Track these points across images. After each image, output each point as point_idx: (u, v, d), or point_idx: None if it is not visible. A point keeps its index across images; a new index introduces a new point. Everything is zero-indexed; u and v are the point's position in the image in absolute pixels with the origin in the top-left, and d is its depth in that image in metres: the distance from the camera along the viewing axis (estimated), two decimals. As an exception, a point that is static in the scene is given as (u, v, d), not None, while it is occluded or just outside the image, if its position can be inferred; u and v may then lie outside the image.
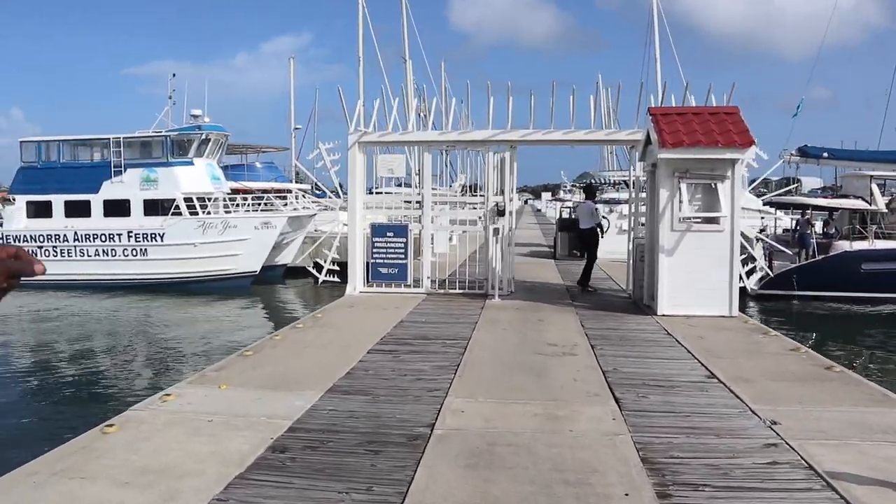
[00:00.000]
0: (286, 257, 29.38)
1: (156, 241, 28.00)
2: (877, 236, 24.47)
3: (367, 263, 13.04)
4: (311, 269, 13.34)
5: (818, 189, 38.89)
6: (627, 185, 56.00)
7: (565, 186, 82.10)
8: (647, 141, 11.68)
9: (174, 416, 5.56)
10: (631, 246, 12.83)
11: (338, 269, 13.06)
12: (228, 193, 30.76)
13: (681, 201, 10.60)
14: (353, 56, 37.21)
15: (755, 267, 18.13)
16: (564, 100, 12.57)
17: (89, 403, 12.17)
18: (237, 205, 29.51)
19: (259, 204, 30.46)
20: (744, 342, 8.88)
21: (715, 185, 10.66)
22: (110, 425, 5.26)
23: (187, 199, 27.95)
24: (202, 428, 5.29)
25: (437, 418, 5.58)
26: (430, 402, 6.06)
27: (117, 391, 13.04)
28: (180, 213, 27.86)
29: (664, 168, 10.66)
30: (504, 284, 12.79)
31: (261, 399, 6.11)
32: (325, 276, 13.16)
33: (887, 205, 25.99)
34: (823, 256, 23.94)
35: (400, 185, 28.25)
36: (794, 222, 28.13)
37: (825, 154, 27.19)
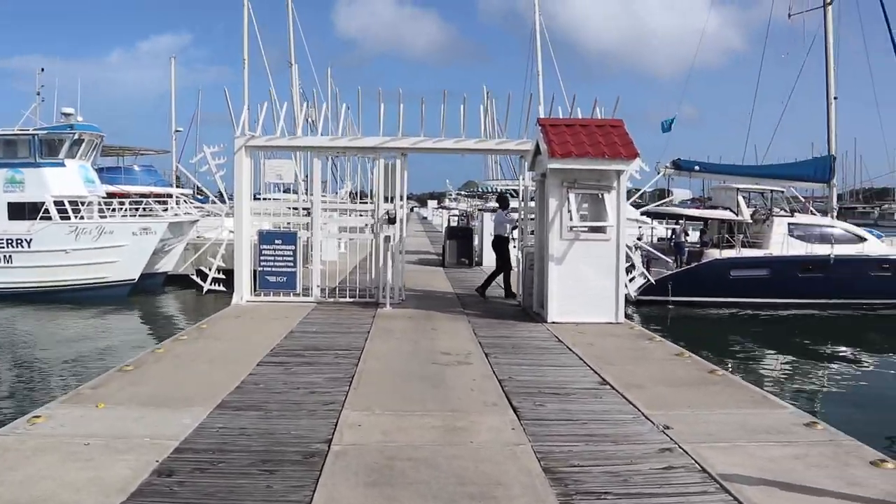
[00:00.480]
0: (167, 265, 28.12)
1: (22, 247, 26.15)
2: (743, 245, 26.02)
3: (254, 271, 12.63)
4: (194, 277, 12.77)
5: (687, 200, 41.02)
6: (513, 195, 57.10)
7: (450, 195, 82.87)
8: (537, 151, 11.88)
9: (45, 441, 5.10)
10: (520, 254, 13.00)
11: (223, 277, 12.56)
12: (104, 197, 29.15)
13: (569, 211, 10.84)
14: (235, 58, 36.40)
15: (635, 274, 18.86)
16: (454, 109, 12.66)
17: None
18: (113, 209, 27.98)
19: (137, 209, 29.00)
20: (631, 348, 9.14)
21: (602, 195, 10.96)
22: (-30, 453, 4.78)
23: (58, 203, 26.28)
24: (78, 452, 4.87)
25: (333, 433, 5.39)
26: (326, 416, 5.86)
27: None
28: (50, 218, 26.15)
29: (553, 178, 10.86)
30: (395, 293, 12.68)
31: (143, 418, 5.72)
32: (210, 284, 12.62)
33: (752, 215, 27.60)
34: (696, 264, 25.27)
35: (287, 192, 27.64)
36: (669, 231, 29.47)
37: (696, 167, 28.74)
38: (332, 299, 12.87)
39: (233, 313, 11.49)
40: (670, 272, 23.89)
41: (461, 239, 21.70)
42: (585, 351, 8.76)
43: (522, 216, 13.32)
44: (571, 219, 10.68)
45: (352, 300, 12.83)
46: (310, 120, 25.98)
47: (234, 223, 12.53)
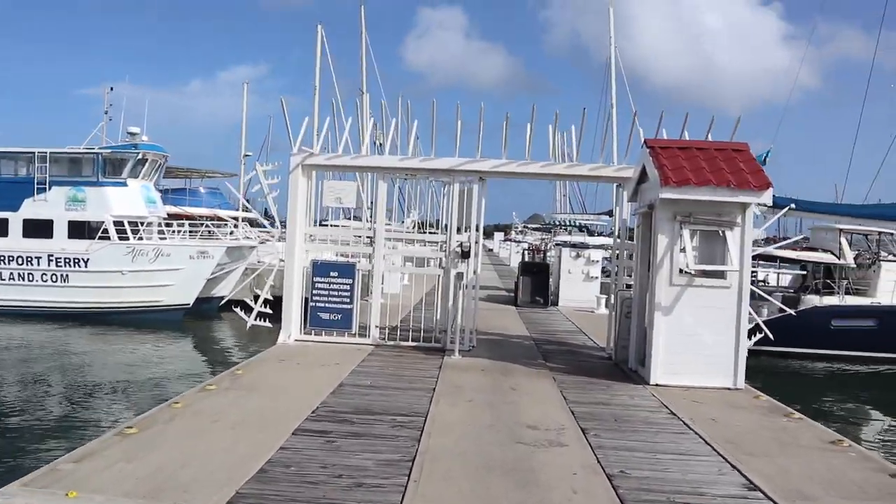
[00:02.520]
0: (224, 289, 27.03)
1: (79, 266, 25.45)
2: (846, 292, 23.57)
3: (306, 305, 11.06)
4: (238, 310, 11.29)
5: (760, 239, 38.53)
6: (580, 229, 54.56)
7: (517, 227, 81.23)
8: (641, 178, 10.03)
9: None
10: (614, 299, 11.08)
11: (269, 311, 11.03)
12: (165, 218, 28.38)
13: (682, 250, 8.94)
14: (309, 87, 35.52)
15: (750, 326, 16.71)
16: (518, 134, 10.95)
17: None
18: (173, 231, 27.13)
19: (197, 232, 28.09)
20: (768, 428, 7.12)
21: (723, 232, 9.02)
22: None
23: (117, 223, 25.54)
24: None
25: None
26: (374, 531, 4.11)
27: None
28: (108, 238, 25.41)
29: (664, 211, 8.98)
30: (465, 338, 10.92)
31: (119, 523, 4.08)
32: (255, 319, 11.10)
33: (855, 259, 25.10)
34: (793, 311, 22.80)
35: (350, 218, 26.29)
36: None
37: (793, 206, 26.36)
38: (391, 342, 11.17)
39: (276, 355, 9.89)
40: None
41: (536, 275, 19.81)
42: (710, 430, 6.81)
43: (617, 255, 11.41)
44: (686, 260, 8.76)
45: (415, 344, 11.11)
46: (377, 143, 24.79)
47: (286, 250, 11.01)
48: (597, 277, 19.99)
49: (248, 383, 7.98)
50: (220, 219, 33.14)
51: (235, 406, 6.92)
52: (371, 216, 17.05)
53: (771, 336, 11.06)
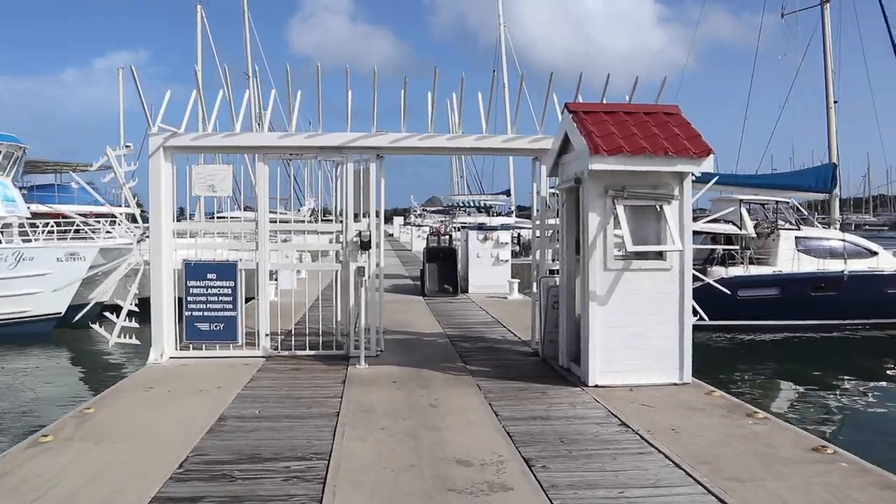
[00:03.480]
0: (103, 294, 24.32)
1: (-81, 279, 22.26)
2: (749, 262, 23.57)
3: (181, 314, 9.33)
4: (97, 327, 9.44)
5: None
6: (479, 210, 53.84)
7: (415, 210, 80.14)
8: (563, 149, 8.80)
9: None
10: (537, 287, 9.85)
11: (135, 325, 9.23)
12: (28, 218, 25.33)
13: (617, 230, 7.77)
14: (192, 73, 32.92)
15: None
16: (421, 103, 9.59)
17: None
18: (41, 233, 24.18)
19: (68, 232, 25.17)
20: (738, 436, 6.01)
21: (660, 207, 7.90)
22: None
23: (-35, 225, 22.55)
24: None
25: None
26: None
27: None
28: (-46, 243, 22.38)
29: (594, 184, 7.77)
30: (372, 342, 9.46)
31: None
32: (119, 336, 9.28)
33: (755, 228, 25.20)
34: (700, 283, 22.52)
35: (249, 209, 24.10)
36: None
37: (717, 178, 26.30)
38: (286, 352, 9.58)
39: (143, 381, 8.11)
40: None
41: (443, 261, 18.43)
42: (675, 446, 5.66)
43: (538, 237, 10.17)
44: (624, 240, 7.57)
45: (313, 353, 9.55)
46: (258, 124, 22.64)
47: (150, 250, 9.21)
48: (507, 261, 18.82)
49: (99, 427, 6.24)
50: (97, 215, 30.14)
51: (73, 469, 5.20)
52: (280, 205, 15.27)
53: (706, 318, 10.15)
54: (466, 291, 18.11)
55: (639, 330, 7.84)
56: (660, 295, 7.90)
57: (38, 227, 24.44)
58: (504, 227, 21.46)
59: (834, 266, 22.73)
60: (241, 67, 38.63)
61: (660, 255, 7.98)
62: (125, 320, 9.25)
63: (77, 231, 25.61)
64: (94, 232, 25.98)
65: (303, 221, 18.87)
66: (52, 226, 24.74)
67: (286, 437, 5.96)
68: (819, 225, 26.75)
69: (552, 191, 10.16)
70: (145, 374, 8.52)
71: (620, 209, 7.71)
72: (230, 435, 6.01)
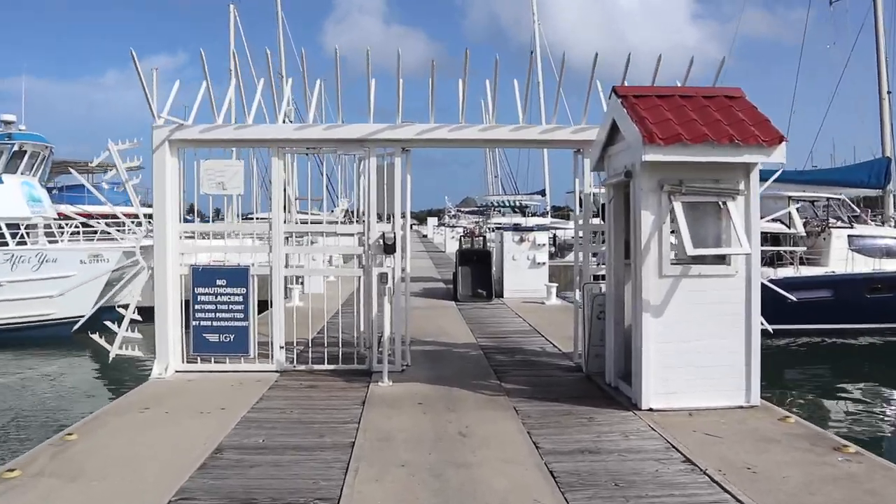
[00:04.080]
0: (130, 296, 23.75)
1: (-56, 279, 21.90)
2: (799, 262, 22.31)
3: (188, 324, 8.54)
4: (99, 339, 8.70)
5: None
6: (514, 210, 52.81)
7: (450, 211, 79.39)
8: (609, 140, 7.81)
9: None
10: (580, 294, 8.85)
11: (138, 338, 8.47)
12: (55, 219, 24.94)
13: (674, 230, 6.77)
14: (226, 73, 32.48)
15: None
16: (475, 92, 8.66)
17: None
18: (66, 233, 23.75)
19: (96, 233, 24.69)
20: (830, 479, 4.96)
21: (724, 203, 6.88)
22: None
23: (-7, 225, 22.11)
24: None
25: None
26: None
27: None
28: (-20, 243, 21.97)
29: (647, 178, 6.78)
30: (396, 356, 8.56)
31: None
32: (120, 347, 8.52)
33: (804, 227, 23.90)
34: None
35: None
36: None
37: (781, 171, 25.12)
38: (303, 366, 8.73)
39: (140, 400, 7.29)
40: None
41: (476, 264, 17.45)
42: (753, 491, 4.67)
43: (580, 238, 9.18)
44: (684, 243, 6.56)
45: (332, 367, 8.68)
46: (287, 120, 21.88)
47: (155, 255, 8.42)
48: (544, 263, 17.77)
49: (76, 460, 5.41)
50: (130, 216, 29.66)
51: (35, 513, 4.39)
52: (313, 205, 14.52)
53: (771, 330, 9.04)
54: (501, 296, 17.13)
55: (699, 345, 6.83)
56: (723, 305, 6.88)
57: (63, 228, 24.04)
58: (540, 228, 20.42)
59: (890, 266, 21.43)
60: (275, 69, 38.09)
61: (722, 259, 6.97)
62: (127, 330, 8.48)
63: (104, 233, 25.16)
64: (123, 233, 25.52)
65: (335, 223, 18.06)
66: (79, 227, 24.31)
67: (290, 475, 5.07)
68: (872, 223, 25.38)
69: (594, 190, 9.19)
70: (144, 391, 7.71)
71: (678, 206, 6.71)
72: (225, 472, 5.14)
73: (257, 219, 26.30)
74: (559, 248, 31.74)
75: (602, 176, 8.26)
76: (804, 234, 23.35)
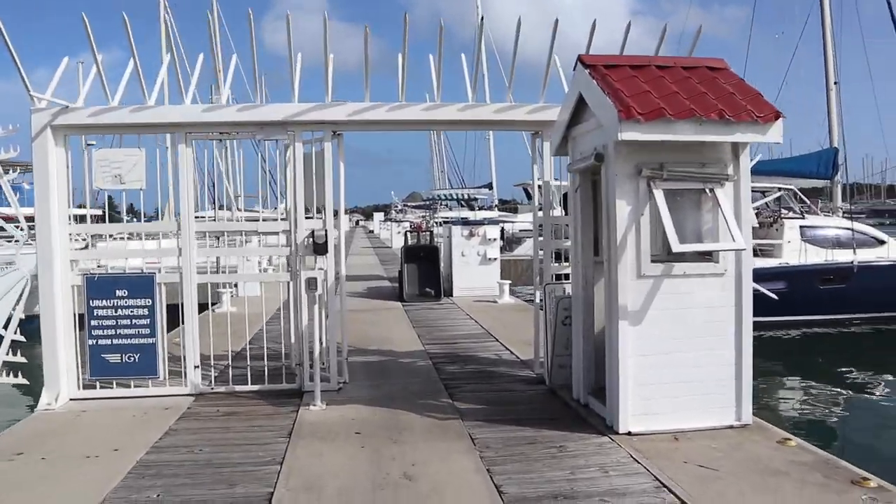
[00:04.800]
0: (10, 313, 21.87)
1: None
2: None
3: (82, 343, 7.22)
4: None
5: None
6: (461, 204, 52.01)
7: (396, 206, 78.18)
8: (573, 119, 6.76)
9: None
10: (542, 296, 7.80)
11: (23, 362, 7.13)
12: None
13: (658, 222, 5.76)
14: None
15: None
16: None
17: None
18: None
19: (12, 237, 22.81)
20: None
21: (711, 190, 5.90)
22: None
23: None
24: None
25: None
26: None
27: None
28: None
29: (623, 162, 5.74)
30: (332, 372, 7.38)
31: None
32: (1, 373, 7.16)
33: (756, 216, 23.48)
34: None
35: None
36: None
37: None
38: (223, 387, 7.48)
39: (14, 443, 5.92)
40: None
41: (423, 261, 16.30)
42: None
43: (541, 233, 8.13)
44: (668, 237, 5.55)
45: (257, 388, 7.45)
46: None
47: (38, 259, 7.09)
48: (496, 259, 16.73)
49: None
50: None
51: None
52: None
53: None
54: (451, 295, 16.02)
55: (684, 357, 5.84)
56: (711, 309, 5.90)
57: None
58: (490, 222, 19.37)
59: (842, 257, 21.12)
60: (210, 65, 36.35)
61: (709, 257, 6.00)
62: (7, 354, 7.12)
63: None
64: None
65: (256, 220, 16.64)
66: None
67: (182, 551, 3.88)
68: (822, 213, 25.16)
69: (554, 182, 8.17)
70: (22, 429, 6.35)
71: (659, 195, 5.70)
72: (96, 549, 3.92)
73: (196, 218, 24.74)
74: (507, 242, 30.88)
75: (565, 161, 7.19)
76: (756, 225, 22.93)
